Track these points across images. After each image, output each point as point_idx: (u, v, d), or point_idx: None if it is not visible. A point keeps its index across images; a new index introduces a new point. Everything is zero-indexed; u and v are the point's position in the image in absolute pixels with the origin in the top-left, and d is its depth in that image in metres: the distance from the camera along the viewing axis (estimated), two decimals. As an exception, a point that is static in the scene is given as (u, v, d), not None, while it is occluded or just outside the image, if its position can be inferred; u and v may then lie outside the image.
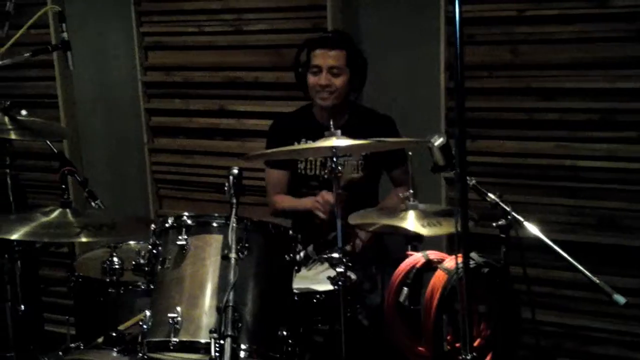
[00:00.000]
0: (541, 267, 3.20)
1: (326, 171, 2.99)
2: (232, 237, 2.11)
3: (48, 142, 3.29)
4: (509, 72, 3.29)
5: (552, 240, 2.32)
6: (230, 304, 1.93)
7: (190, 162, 4.09)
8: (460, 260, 1.83)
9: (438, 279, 2.23)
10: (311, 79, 3.07)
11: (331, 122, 2.43)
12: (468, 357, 1.81)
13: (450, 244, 3.22)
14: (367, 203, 2.95)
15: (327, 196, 2.90)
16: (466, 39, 3.24)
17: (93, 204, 3.06)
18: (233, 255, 2.07)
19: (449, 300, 2.17)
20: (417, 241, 2.60)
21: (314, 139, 3.12)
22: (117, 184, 4.23)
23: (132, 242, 3.01)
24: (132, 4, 3.96)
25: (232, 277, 2.01)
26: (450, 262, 2.27)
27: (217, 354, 1.98)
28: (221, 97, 3.94)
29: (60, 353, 2.57)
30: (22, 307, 2.94)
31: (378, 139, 2.39)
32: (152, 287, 2.45)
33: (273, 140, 3.23)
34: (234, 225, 2.15)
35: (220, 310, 1.94)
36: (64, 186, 3.17)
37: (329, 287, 2.60)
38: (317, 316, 2.63)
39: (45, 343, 3.48)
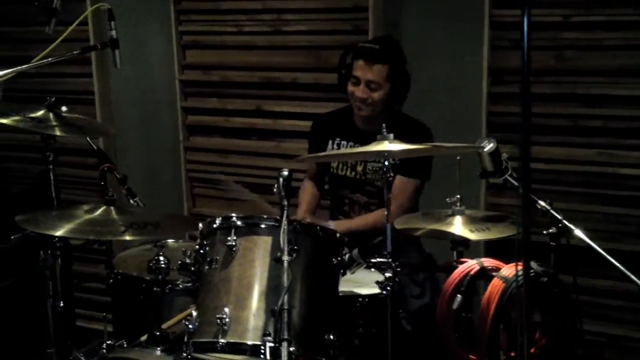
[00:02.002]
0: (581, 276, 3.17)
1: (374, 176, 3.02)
2: (284, 239, 2.10)
3: (87, 139, 3.29)
4: (553, 77, 3.26)
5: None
6: (285, 307, 1.91)
7: (225, 161, 4.08)
8: (520, 268, 1.80)
9: (495, 287, 2.21)
10: (350, 87, 3.07)
11: (383, 126, 2.41)
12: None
13: (488, 251, 3.20)
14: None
15: None
16: (511, 43, 3.29)
17: (132, 201, 3.06)
18: (286, 257, 2.06)
19: (506, 309, 2.15)
20: (463, 247, 2.58)
21: (348, 141, 3.18)
22: (151, 181, 4.23)
23: (170, 241, 3.04)
24: (171, 2, 3.96)
25: (285, 280, 2.00)
26: (507, 270, 2.25)
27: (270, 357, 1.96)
28: (258, 97, 3.93)
29: (104, 351, 2.56)
30: (61, 303, 2.94)
31: (434, 143, 2.36)
32: (197, 286, 2.46)
33: (312, 140, 3.32)
34: (285, 227, 2.14)
35: (275, 313, 1.92)
36: (102, 183, 3.20)
37: (372, 291, 2.60)
38: (360, 320, 2.63)
39: (78, 339, 3.48)
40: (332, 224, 3.07)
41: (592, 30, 3.18)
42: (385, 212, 2.36)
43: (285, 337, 1.89)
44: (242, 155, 4.03)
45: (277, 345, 1.95)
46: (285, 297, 1.96)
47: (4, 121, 2.78)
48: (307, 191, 3.33)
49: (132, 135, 4.29)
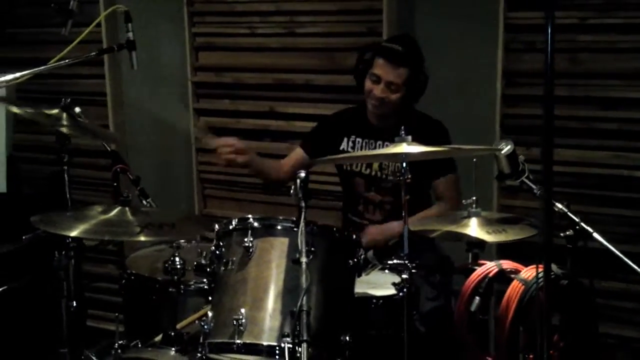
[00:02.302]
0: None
1: (394, 176, 3.01)
2: (302, 241, 2.09)
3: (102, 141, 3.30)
4: (568, 80, 3.26)
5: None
6: (305, 309, 1.91)
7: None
8: (540, 271, 1.80)
9: (514, 289, 2.21)
10: (368, 84, 3.05)
11: (402, 128, 2.41)
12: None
13: (500, 252, 3.20)
14: (417, 208, 2.95)
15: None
16: (525, 46, 3.28)
17: (144, 202, 3.06)
18: (304, 259, 2.05)
19: (526, 311, 2.15)
20: (478, 249, 2.57)
21: (363, 138, 3.17)
22: (162, 182, 4.23)
23: (182, 241, 3.03)
24: (184, 4, 3.96)
25: (304, 281, 1.99)
26: (527, 272, 2.24)
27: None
28: (271, 99, 3.93)
29: (119, 351, 2.56)
30: (74, 303, 2.95)
31: (452, 145, 2.36)
32: (211, 287, 2.46)
33: (320, 130, 3.32)
34: (303, 229, 2.13)
35: (294, 314, 1.92)
36: (115, 184, 3.20)
37: (387, 292, 2.60)
38: (373, 321, 2.62)
39: (88, 339, 3.48)
40: (395, 225, 3.00)
41: (607, 33, 3.18)
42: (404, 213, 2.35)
43: (305, 338, 1.88)
44: (255, 157, 4.02)
45: (294, 346, 1.94)
46: (304, 298, 1.94)
47: (18, 111, 2.77)
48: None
49: (144, 136, 4.29)
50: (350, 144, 3.20)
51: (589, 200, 3.28)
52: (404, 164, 2.32)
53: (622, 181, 3.23)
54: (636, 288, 3.24)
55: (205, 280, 2.65)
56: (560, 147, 3.30)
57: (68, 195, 2.99)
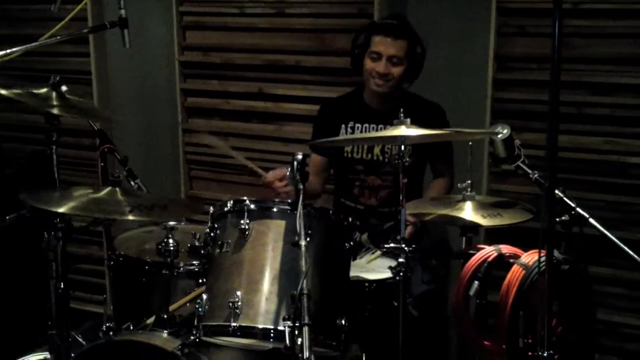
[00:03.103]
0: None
1: (393, 159, 3.00)
2: (300, 223, 2.07)
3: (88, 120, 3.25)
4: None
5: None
6: (305, 292, 1.89)
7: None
8: (542, 255, 1.80)
9: (514, 274, 2.21)
10: (369, 64, 3.03)
11: (401, 110, 2.39)
12: (545, 354, 1.78)
13: (488, 236, 3.20)
14: (412, 191, 2.94)
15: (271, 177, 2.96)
16: (516, 30, 3.27)
17: (132, 183, 3.02)
18: (303, 242, 2.03)
19: (526, 296, 2.15)
20: (472, 233, 2.57)
21: (362, 123, 3.15)
22: (148, 163, 4.18)
23: (172, 223, 3.00)
24: (172, -18, 3.91)
25: (303, 264, 1.97)
26: (527, 257, 2.24)
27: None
28: (260, 80, 3.89)
29: (111, 333, 2.53)
30: (62, 285, 2.91)
31: (450, 129, 2.35)
32: (204, 269, 2.44)
33: (320, 126, 3.26)
34: (301, 211, 2.11)
35: (294, 297, 1.90)
36: (103, 164, 3.15)
37: (380, 276, 2.60)
38: (366, 305, 2.61)
39: (73, 321, 3.45)
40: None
41: (599, 18, 3.17)
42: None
43: (307, 321, 1.86)
44: (242, 138, 3.98)
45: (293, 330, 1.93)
46: (305, 281, 1.92)
47: (4, 92, 2.71)
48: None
49: (129, 116, 4.23)
50: (349, 130, 3.17)
51: (579, 185, 3.28)
52: (403, 147, 2.30)
53: (613, 167, 3.24)
54: (625, 274, 3.26)
55: (195, 262, 2.64)
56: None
57: (56, 175, 2.94)
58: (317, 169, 3.26)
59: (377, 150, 3.13)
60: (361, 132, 3.15)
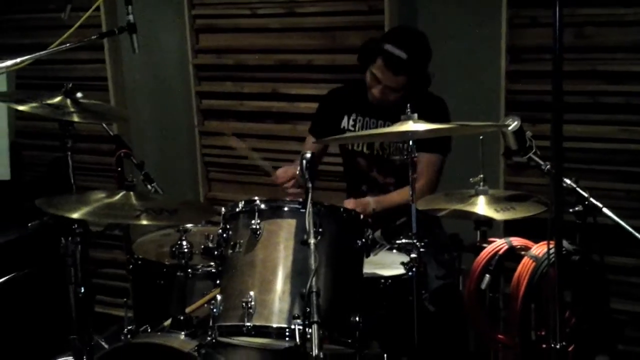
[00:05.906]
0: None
1: (401, 156, 2.99)
2: (309, 222, 2.07)
3: (104, 125, 3.28)
4: (573, 54, 3.22)
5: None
6: (314, 290, 1.89)
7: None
8: (552, 247, 1.78)
9: (525, 266, 2.19)
10: (368, 78, 3.03)
11: (408, 106, 2.38)
12: (558, 346, 1.77)
13: (507, 230, 3.18)
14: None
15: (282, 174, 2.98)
16: (528, 21, 3.25)
17: (149, 187, 3.04)
18: (312, 240, 2.03)
19: (537, 288, 2.14)
20: (486, 226, 2.56)
21: (364, 116, 3.15)
22: (166, 166, 4.21)
23: (189, 225, 3.01)
24: (184, -14, 3.93)
25: (313, 262, 1.98)
26: (537, 249, 2.23)
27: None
28: (273, 80, 3.91)
29: (129, 336, 2.55)
30: (82, 289, 2.94)
31: (461, 122, 2.34)
32: (220, 270, 2.44)
33: (323, 110, 3.30)
34: (311, 210, 2.11)
35: (304, 296, 1.90)
36: (119, 169, 3.18)
37: (395, 272, 2.59)
38: (382, 302, 2.61)
39: (96, 325, 3.48)
40: (371, 201, 3.00)
41: (612, 6, 3.14)
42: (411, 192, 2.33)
43: (316, 319, 1.87)
44: (258, 139, 4.00)
45: (304, 328, 1.93)
46: (314, 280, 1.93)
47: (23, 108, 2.76)
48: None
49: (146, 120, 4.27)
50: (352, 122, 3.17)
51: (595, 175, 3.26)
52: (411, 142, 2.30)
53: (629, 155, 3.21)
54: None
55: (212, 263, 2.65)
56: (566, 123, 3.22)
57: (72, 181, 2.97)
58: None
59: (377, 145, 3.13)
60: (363, 125, 3.14)
